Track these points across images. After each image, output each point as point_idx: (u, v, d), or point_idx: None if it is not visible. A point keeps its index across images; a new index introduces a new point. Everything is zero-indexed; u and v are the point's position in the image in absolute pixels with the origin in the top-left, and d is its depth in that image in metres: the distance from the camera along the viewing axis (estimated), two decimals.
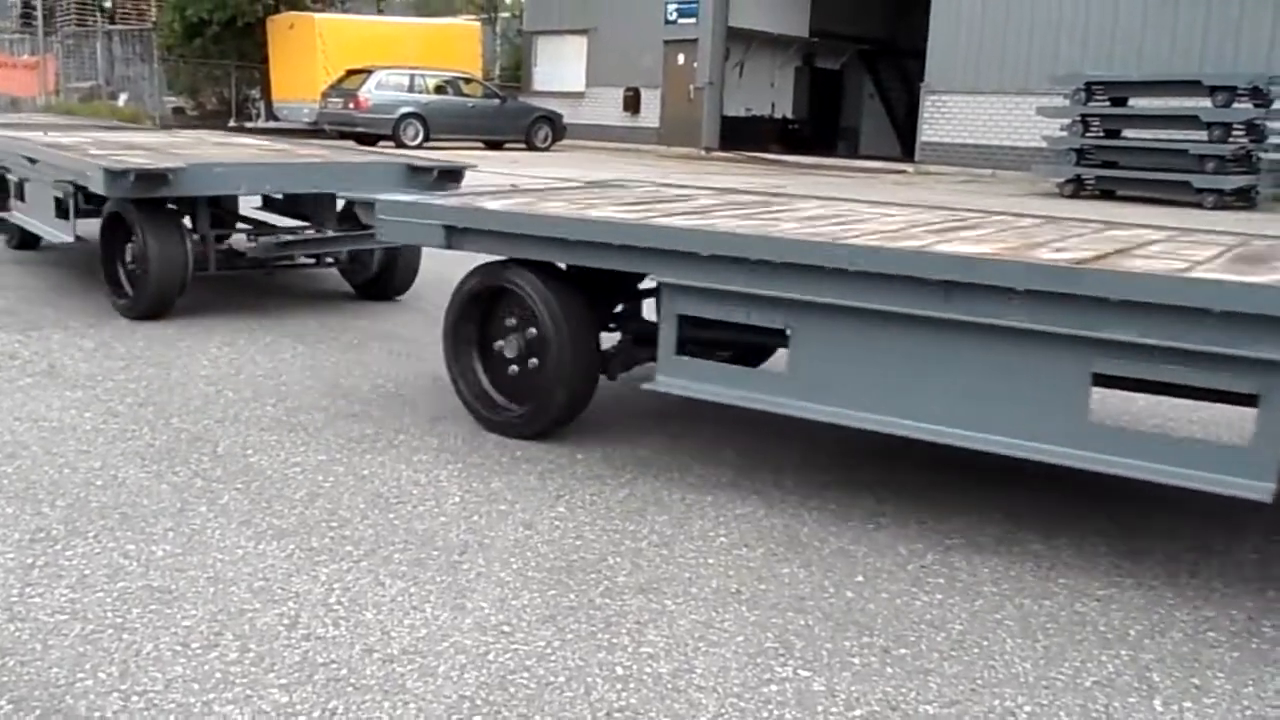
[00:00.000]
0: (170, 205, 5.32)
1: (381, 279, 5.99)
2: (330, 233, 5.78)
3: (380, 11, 35.33)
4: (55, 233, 5.72)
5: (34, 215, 6.14)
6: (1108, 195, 15.54)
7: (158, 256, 5.10)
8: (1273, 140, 14.80)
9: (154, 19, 30.60)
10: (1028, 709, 2.09)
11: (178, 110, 29.85)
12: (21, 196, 6.39)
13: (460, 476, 3.24)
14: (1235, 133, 14.47)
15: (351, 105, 22.89)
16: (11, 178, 6.45)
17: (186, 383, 4.16)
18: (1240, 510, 3.16)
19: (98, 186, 4.90)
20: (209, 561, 2.59)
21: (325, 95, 23.95)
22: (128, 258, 5.32)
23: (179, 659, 2.14)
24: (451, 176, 5.65)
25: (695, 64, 25.74)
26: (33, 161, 5.92)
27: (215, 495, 3.02)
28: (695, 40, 25.68)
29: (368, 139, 22.76)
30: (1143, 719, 2.07)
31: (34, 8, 30.82)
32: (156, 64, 29.05)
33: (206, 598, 2.41)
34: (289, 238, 5.80)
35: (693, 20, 25.66)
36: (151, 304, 5.21)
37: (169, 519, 2.84)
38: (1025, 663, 2.27)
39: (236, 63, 29.19)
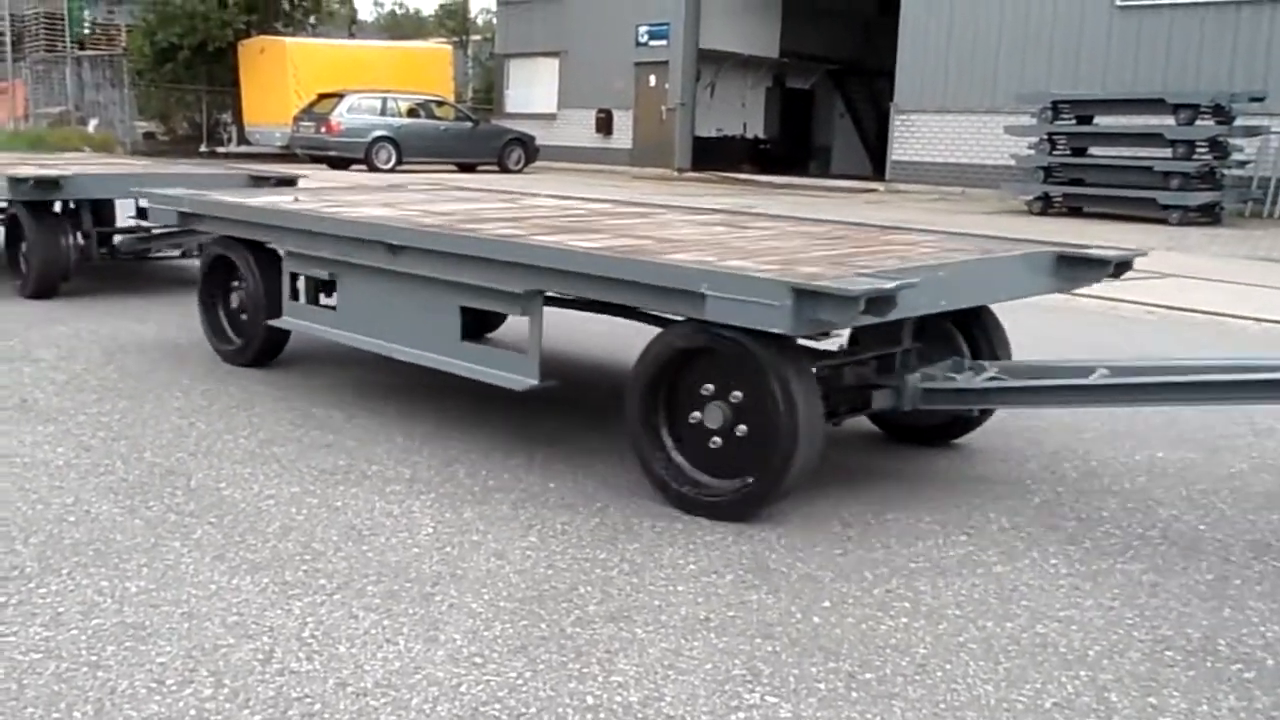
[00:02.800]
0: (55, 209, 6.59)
1: None
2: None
3: (352, 35, 35.42)
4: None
5: None
6: (1075, 212, 15.74)
7: (39, 248, 6.45)
8: (1236, 157, 15.04)
9: (124, 44, 30.53)
10: None
11: (148, 135, 29.77)
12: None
13: (433, 507, 3.28)
14: (1199, 150, 14.69)
15: (323, 129, 22.93)
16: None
17: (159, 415, 4.17)
18: (1198, 532, 3.24)
19: (3, 192, 6.27)
20: (183, 597, 2.62)
21: (297, 119, 23.98)
22: (22, 250, 6.64)
23: (154, 696, 2.17)
24: (287, 184, 6.88)
25: (667, 85, 25.91)
26: None
27: (188, 530, 3.04)
28: (666, 62, 25.85)
29: (340, 163, 22.81)
30: None
31: (2, 33, 30.67)
32: (127, 89, 28.97)
33: (181, 634, 2.43)
34: (148, 234, 7.00)
35: (664, 42, 25.84)
36: (37, 284, 6.52)
37: (142, 554, 2.86)
38: (987, 685, 2.32)
39: (207, 87, 29.14)
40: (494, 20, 33.16)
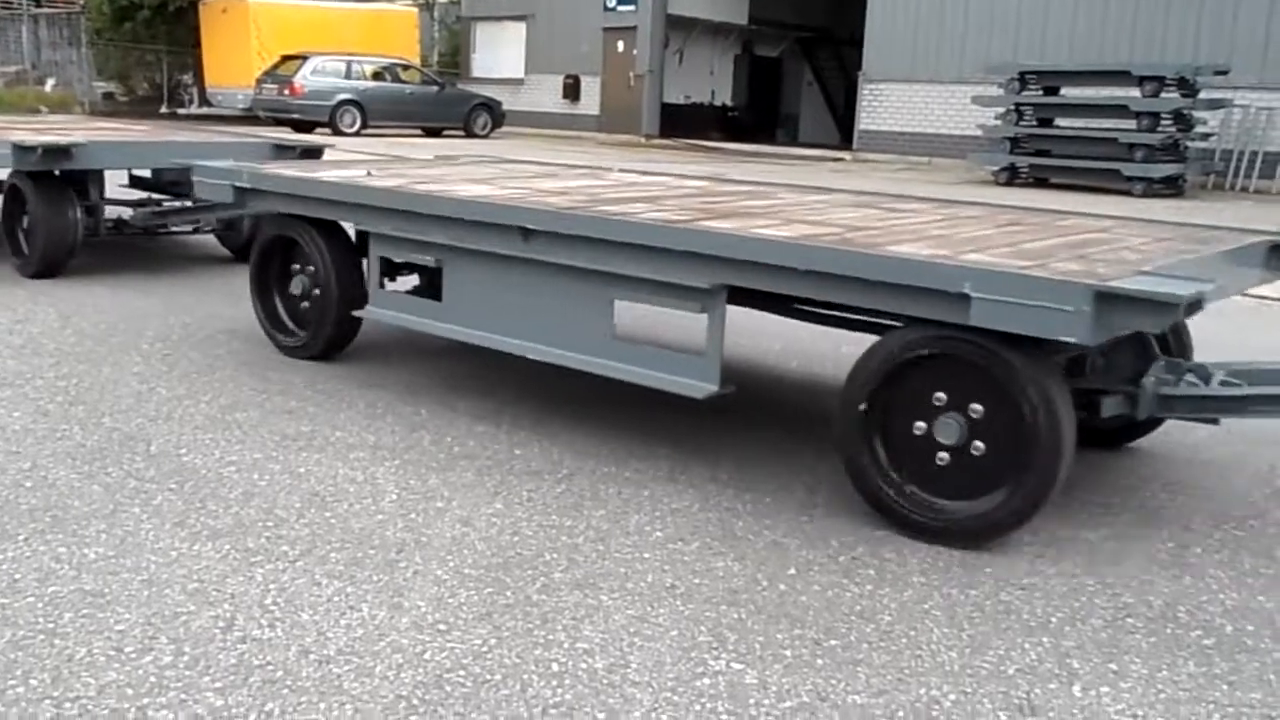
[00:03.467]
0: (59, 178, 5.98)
1: (252, 242, 6.63)
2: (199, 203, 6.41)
3: None
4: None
5: None
6: (1041, 183, 15.80)
7: (45, 223, 5.86)
8: (1199, 129, 15.14)
9: (82, 2, 29.93)
10: (952, 697, 2.15)
11: (108, 96, 29.25)
12: None
13: (397, 473, 3.25)
14: (1163, 122, 14.77)
15: (287, 92, 22.60)
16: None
17: (118, 380, 4.11)
18: (1159, 501, 3.27)
19: (7, 161, 5.64)
20: (142, 564, 2.58)
21: (260, 81, 23.62)
22: (24, 224, 6.05)
23: (112, 664, 2.14)
24: (312, 154, 6.40)
25: (635, 51, 25.72)
26: None
27: (148, 496, 3.00)
28: (635, 27, 25.64)
29: (303, 126, 22.52)
30: (1062, 705, 2.14)
31: None
32: (85, 48, 28.42)
33: (140, 601, 2.40)
34: (166, 208, 6.61)
35: (632, 8, 25.62)
36: (42, 262, 5.94)
37: (101, 521, 2.82)
38: (951, 652, 2.33)
39: (168, 48, 28.66)
40: None
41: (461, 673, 2.16)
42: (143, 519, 2.84)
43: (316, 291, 4.35)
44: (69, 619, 2.30)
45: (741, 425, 3.87)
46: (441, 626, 2.34)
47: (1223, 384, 3.23)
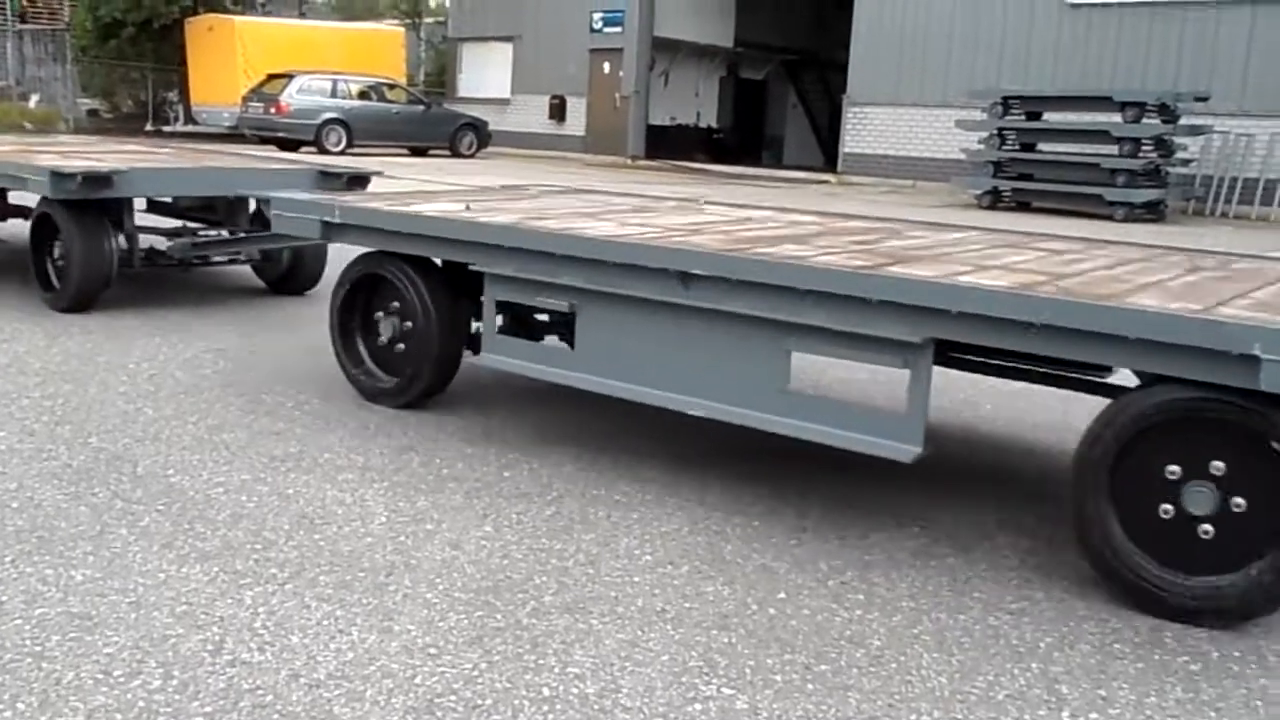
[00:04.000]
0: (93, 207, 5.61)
1: (291, 275, 6.47)
2: (242, 233, 6.24)
3: (302, 15, 34.94)
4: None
5: None
6: (1023, 207, 15.93)
7: (82, 254, 5.49)
8: (1180, 155, 15.29)
9: (67, 19, 29.90)
10: None
11: (92, 113, 29.19)
12: None
13: (386, 495, 3.24)
14: (1145, 147, 14.93)
15: (272, 110, 22.61)
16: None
17: (104, 399, 4.09)
18: None
19: (44, 188, 5.31)
20: (130, 586, 2.57)
21: (245, 99, 23.62)
22: (55, 254, 5.70)
23: (100, 688, 2.12)
24: (359, 182, 6.10)
25: (621, 73, 25.84)
26: None
27: (136, 517, 2.98)
28: (621, 49, 25.77)
29: (289, 144, 22.53)
30: None
31: None
32: (70, 65, 28.36)
33: (128, 623, 2.38)
34: (205, 238, 6.24)
35: (618, 29, 25.76)
36: (75, 296, 5.58)
37: (88, 542, 2.80)
38: (941, 677, 2.34)
39: (153, 65, 28.63)
40: (447, 3, 32.88)
41: (452, 697, 2.15)
42: (130, 541, 2.83)
43: (411, 334, 4.05)
44: (56, 642, 2.29)
45: (730, 448, 3.88)
46: (432, 650, 2.33)
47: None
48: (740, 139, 29.08)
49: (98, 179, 5.30)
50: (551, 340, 3.98)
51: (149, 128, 28.26)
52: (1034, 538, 3.17)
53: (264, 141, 23.18)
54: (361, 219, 4.06)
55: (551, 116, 27.27)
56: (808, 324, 3.05)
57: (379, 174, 6.48)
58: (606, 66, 26.12)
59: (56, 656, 2.23)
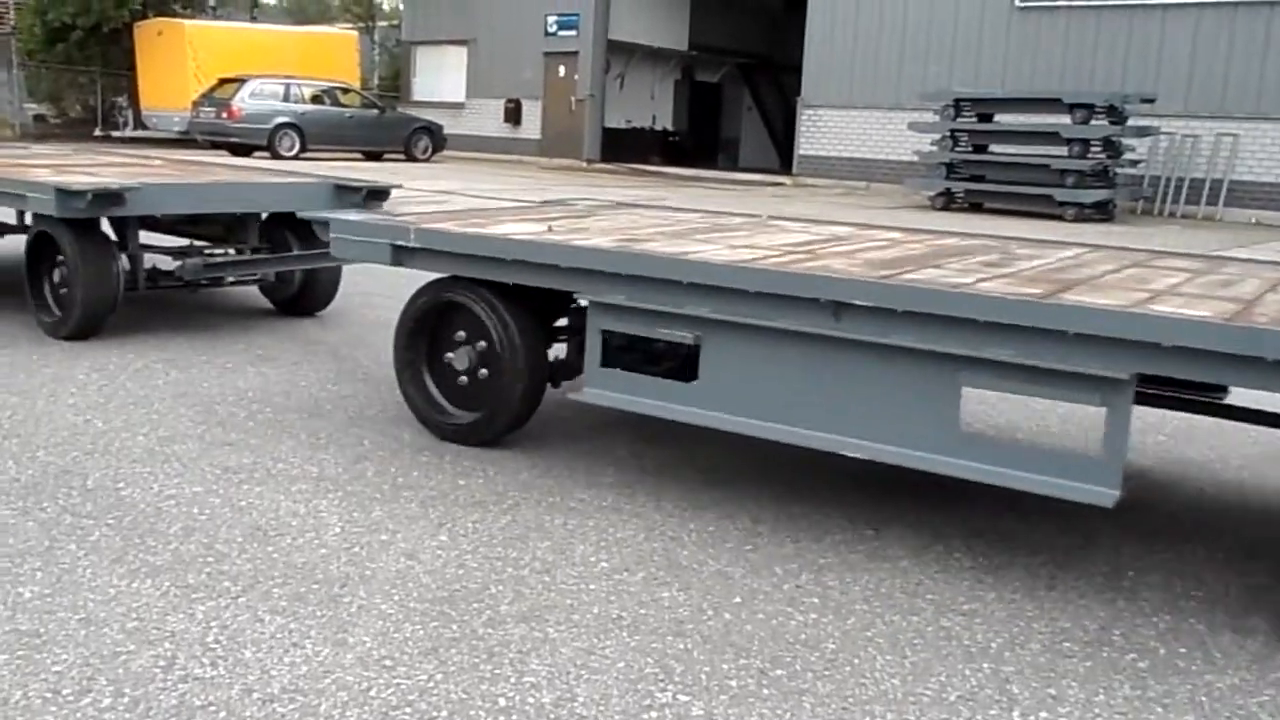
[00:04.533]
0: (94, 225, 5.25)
1: (303, 295, 6.10)
2: (261, 253, 5.83)
3: (253, 18, 34.63)
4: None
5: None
6: (976, 208, 16.11)
7: (87, 277, 5.09)
8: (1128, 156, 15.53)
9: (13, 23, 29.44)
10: None
11: (39, 118, 28.78)
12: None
13: (340, 506, 3.23)
14: (1093, 148, 15.14)
15: (224, 115, 22.41)
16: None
17: (53, 412, 4.04)
18: (1092, 524, 3.34)
19: (48, 207, 4.88)
20: (80, 602, 2.54)
21: (197, 104, 23.40)
22: (55, 278, 5.30)
23: (49, 706, 2.10)
24: (378, 196, 5.74)
25: (576, 76, 25.85)
26: None
27: (85, 532, 2.95)
28: (576, 52, 25.79)
29: (242, 149, 22.31)
30: None
31: None
32: (16, 70, 27.92)
33: (78, 640, 2.36)
34: (220, 258, 5.75)
35: (573, 33, 25.77)
36: (80, 322, 5.20)
37: (36, 558, 2.77)
38: (894, 679, 2.36)
39: (102, 69, 28.27)
40: (401, 6, 32.72)
41: (408, 710, 2.15)
42: (80, 556, 2.79)
43: (491, 366, 3.74)
44: (3, 660, 2.26)
45: (686, 455, 3.89)
46: (387, 662, 2.33)
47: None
48: (696, 142, 29.19)
49: (109, 197, 4.88)
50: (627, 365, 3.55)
51: (98, 133, 27.90)
52: (985, 538, 3.21)
53: (215, 146, 22.96)
54: (442, 243, 3.71)
55: (507, 120, 27.23)
56: (985, 358, 2.82)
57: (399, 187, 6.14)
58: (562, 70, 26.12)
59: (4, 675, 2.20)
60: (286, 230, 5.84)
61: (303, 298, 6.12)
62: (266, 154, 21.98)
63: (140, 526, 3.00)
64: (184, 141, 24.62)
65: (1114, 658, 2.51)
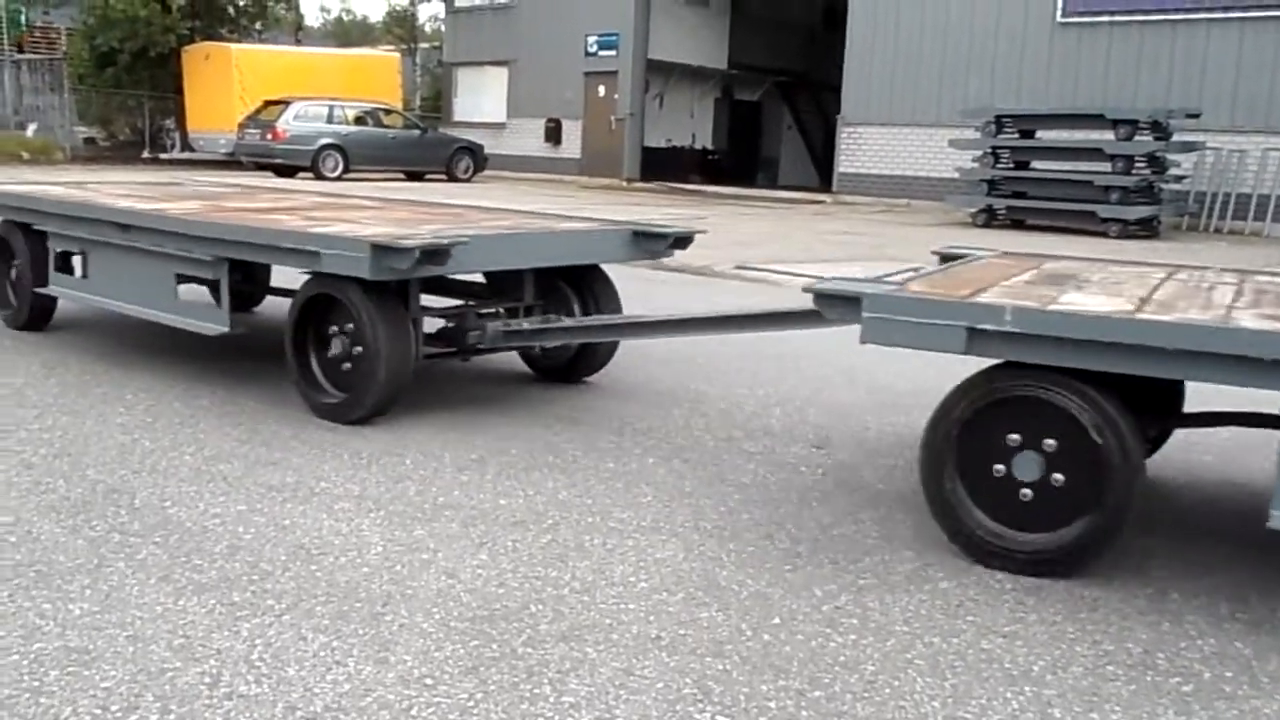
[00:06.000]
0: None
1: (577, 361, 5.16)
2: (534, 311, 4.92)
3: (298, 42, 35.13)
4: (195, 323, 4.78)
5: (127, 298, 5.13)
6: (1018, 225, 15.98)
7: (389, 347, 4.20)
8: (1172, 172, 15.36)
9: (64, 48, 30.07)
10: None
11: (89, 141, 29.34)
12: (70, 268, 5.52)
13: (382, 525, 3.26)
14: (1138, 164, 15.00)
15: (269, 136, 22.73)
16: (56, 245, 5.51)
17: (102, 432, 4.11)
18: (1140, 547, 3.30)
19: (358, 268, 4.00)
20: (128, 619, 2.58)
21: (242, 126, 23.76)
22: (332, 350, 4.38)
23: None
24: (681, 243, 4.93)
25: (616, 95, 25.97)
26: (125, 228, 5.00)
27: (133, 550, 3.00)
28: (615, 72, 25.93)
29: (286, 170, 22.62)
30: None
31: None
32: (67, 94, 28.50)
33: (126, 657, 2.40)
34: (529, 324, 4.77)
35: (613, 53, 25.92)
36: (379, 403, 4.30)
37: (86, 576, 2.82)
38: (934, 702, 2.35)
39: (150, 93, 28.80)
40: (442, 28, 33.05)
41: None
42: (127, 574, 2.84)
43: (1078, 472, 2.98)
44: (54, 677, 2.30)
45: (727, 473, 3.90)
46: (428, 681, 2.35)
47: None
48: (735, 160, 29.22)
49: (435, 254, 4.03)
50: None
51: (146, 155, 28.40)
52: None
53: (260, 168, 23.30)
54: (1055, 327, 2.90)
55: (547, 139, 27.41)
56: None
57: (702, 233, 5.31)
58: (602, 89, 26.27)
59: (54, 691, 2.24)
60: (560, 281, 5.01)
61: (577, 362, 5.14)
62: (310, 175, 22.26)
63: (186, 545, 3.05)
64: (230, 163, 24.99)
65: (1158, 681, 2.48)
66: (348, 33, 46.47)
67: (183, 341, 5.74)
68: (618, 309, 5.04)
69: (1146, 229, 15.06)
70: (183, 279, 4.85)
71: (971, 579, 3.02)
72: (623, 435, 4.30)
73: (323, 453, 3.95)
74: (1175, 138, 15.11)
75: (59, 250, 5.52)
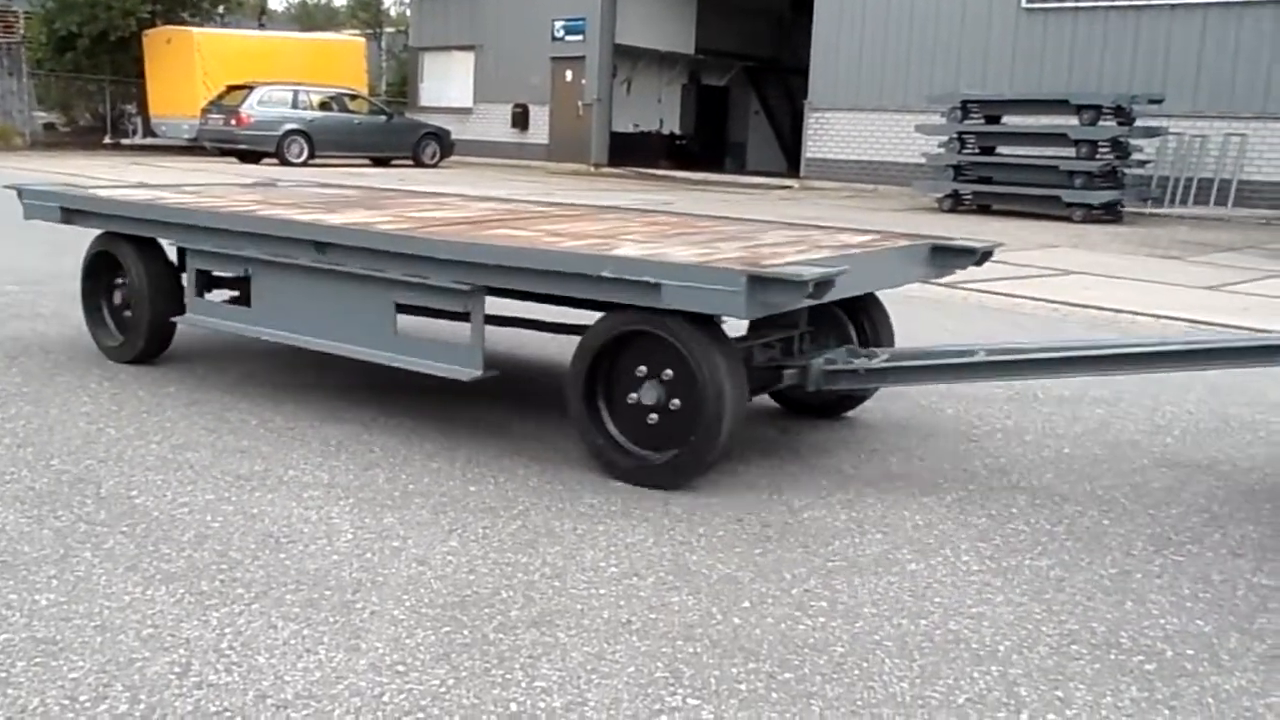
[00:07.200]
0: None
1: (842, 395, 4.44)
2: (807, 340, 4.22)
3: (261, 26, 34.76)
4: (432, 365, 3.95)
5: (320, 331, 4.25)
6: (984, 210, 16.10)
7: (733, 393, 3.47)
8: (1136, 157, 15.51)
9: (22, 32, 29.60)
10: None
11: (49, 126, 28.94)
12: (236, 295, 4.84)
13: (352, 512, 3.25)
14: (1101, 149, 15.13)
15: (233, 122, 22.53)
16: (200, 265, 4.68)
17: (66, 421, 4.07)
18: (1101, 528, 3.35)
19: (726, 304, 3.29)
20: (95, 609, 2.56)
21: (205, 111, 23.53)
22: (643, 398, 3.58)
23: (66, 713, 2.12)
24: (985, 258, 4.35)
25: (583, 81, 25.90)
26: (322, 246, 4.13)
27: (100, 539, 2.98)
28: (583, 57, 25.85)
29: (250, 156, 22.42)
30: None
31: None
32: (25, 78, 28.08)
33: (94, 647, 2.38)
34: (876, 362, 3.95)
35: (580, 37, 25.84)
36: (714, 460, 3.56)
37: (52, 566, 2.79)
38: (902, 682, 2.38)
39: (111, 77, 28.42)
40: (408, 13, 32.81)
41: (420, 715, 2.17)
42: (94, 563, 2.82)
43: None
44: (21, 668, 2.28)
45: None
46: (399, 668, 2.35)
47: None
48: (703, 145, 29.23)
49: (823, 285, 3.34)
50: None
51: (107, 140, 28.05)
52: (993, 542, 3.22)
53: (224, 153, 23.08)
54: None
55: (514, 125, 27.32)
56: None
57: (1001, 246, 4.85)
58: (569, 74, 26.19)
59: (22, 683, 2.23)
60: (834, 306, 4.26)
61: (842, 397, 4.46)
62: (275, 160, 22.08)
63: (154, 534, 3.03)
64: (193, 149, 24.74)
65: (1121, 660, 2.52)
66: (312, 17, 46.02)
67: None
68: (892, 337, 4.38)
69: (1110, 214, 15.21)
70: (404, 309, 4.04)
71: (939, 560, 3.06)
72: None
73: (291, 441, 3.93)
74: (1138, 123, 15.26)
75: (201, 272, 4.69)
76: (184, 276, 4.78)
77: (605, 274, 3.46)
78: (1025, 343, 4.00)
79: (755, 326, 4.01)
